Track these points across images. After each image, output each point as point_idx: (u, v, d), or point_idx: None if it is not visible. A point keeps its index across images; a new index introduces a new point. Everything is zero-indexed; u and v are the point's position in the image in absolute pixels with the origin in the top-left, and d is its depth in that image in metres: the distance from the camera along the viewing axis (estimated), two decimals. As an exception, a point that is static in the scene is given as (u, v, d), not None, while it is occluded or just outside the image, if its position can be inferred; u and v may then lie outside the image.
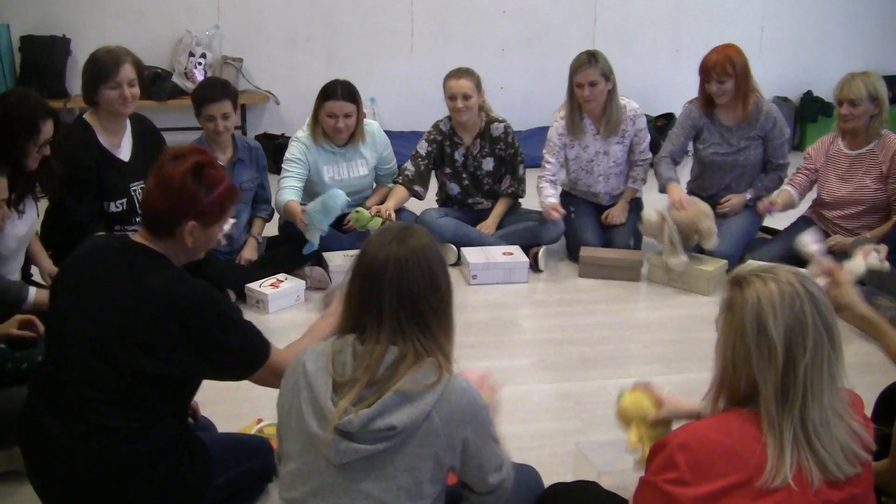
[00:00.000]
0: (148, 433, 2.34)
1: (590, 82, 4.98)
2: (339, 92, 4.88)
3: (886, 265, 3.87)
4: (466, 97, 5.03)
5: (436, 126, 5.29)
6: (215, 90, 4.60)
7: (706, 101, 5.11)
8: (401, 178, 5.23)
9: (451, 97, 5.07)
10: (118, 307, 2.34)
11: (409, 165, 5.25)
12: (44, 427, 2.36)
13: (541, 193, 5.20)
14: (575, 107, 5.11)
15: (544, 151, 5.26)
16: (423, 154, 5.26)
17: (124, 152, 4.29)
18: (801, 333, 1.82)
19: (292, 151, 4.99)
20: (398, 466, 1.99)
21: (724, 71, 4.91)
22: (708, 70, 4.97)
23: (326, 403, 1.99)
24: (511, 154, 5.28)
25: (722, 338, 1.93)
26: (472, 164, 5.27)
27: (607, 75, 5.01)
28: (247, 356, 2.48)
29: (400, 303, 2.05)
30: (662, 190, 5.23)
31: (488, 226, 5.24)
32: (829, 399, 1.83)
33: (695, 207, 4.86)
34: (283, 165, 5.00)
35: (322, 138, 4.99)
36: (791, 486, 1.76)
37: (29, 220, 3.69)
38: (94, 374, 2.31)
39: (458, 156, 5.27)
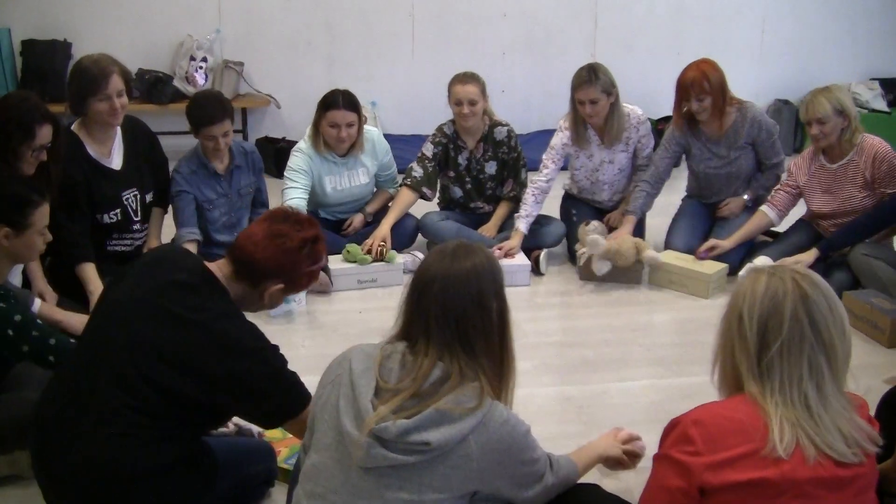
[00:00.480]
0: (163, 443, 2.34)
1: (591, 100, 4.93)
2: (340, 102, 4.88)
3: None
4: (472, 103, 5.01)
5: (440, 129, 5.29)
6: (214, 111, 4.51)
7: (688, 118, 5.04)
8: (409, 180, 5.23)
9: (456, 102, 5.05)
10: (167, 323, 2.33)
11: (415, 167, 5.25)
12: (63, 424, 2.35)
13: (521, 206, 5.15)
14: (578, 118, 5.08)
15: (544, 156, 5.22)
16: (430, 156, 5.26)
17: (115, 160, 4.24)
18: (777, 323, 1.94)
19: (296, 162, 4.98)
20: (425, 483, 1.98)
21: (701, 88, 4.85)
22: (685, 89, 4.91)
23: (366, 405, 2.00)
24: (514, 158, 5.27)
25: (719, 326, 2.08)
26: (475, 168, 5.27)
27: (608, 91, 4.94)
28: (280, 408, 2.45)
29: (445, 320, 2.06)
30: (623, 214, 5.20)
31: (490, 229, 5.23)
32: (812, 388, 1.91)
33: (625, 245, 4.89)
34: (286, 175, 4.99)
35: (323, 148, 4.99)
36: (785, 460, 1.85)
37: None
38: (129, 380, 2.30)
39: (462, 159, 5.26)
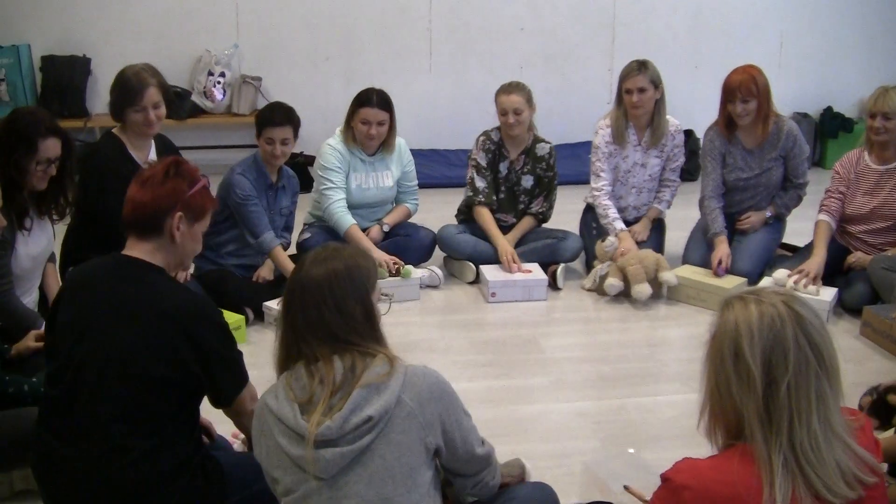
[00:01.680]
0: (161, 453, 2.34)
1: (639, 88, 5.00)
2: (374, 99, 4.94)
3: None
4: (518, 112, 5.03)
5: (487, 135, 5.28)
6: (280, 115, 4.60)
7: (726, 123, 5.03)
8: (481, 196, 5.23)
9: (502, 112, 5.08)
10: (128, 322, 2.35)
11: (478, 182, 5.24)
12: (55, 452, 2.36)
13: (605, 213, 5.17)
14: (622, 113, 5.11)
15: (593, 159, 5.24)
16: (485, 164, 5.25)
17: None
18: (782, 355, 1.77)
19: (330, 160, 5.01)
20: (387, 458, 2.01)
21: (748, 91, 4.84)
22: (732, 90, 4.90)
23: (299, 424, 2.02)
24: (550, 177, 5.29)
25: (705, 365, 1.90)
26: (512, 178, 5.27)
27: (656, 83, 5.04)
28: (240, 372, 2.54)
29: (312, 328, 2.10)
30: (710, 243, 5.11)
31: (508, 240, 5.21)
32: (819, 421, 1.77)
33: (648, 259, 4.91)
34: (321, 174, 5.03)
35: (353, 144, 5.01)
36: None
37: (43, 242, 3.67)
38: (107, 392, 2.30)
39: (503, 168, 5.26)
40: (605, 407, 3.75)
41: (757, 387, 1.77)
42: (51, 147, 3.49)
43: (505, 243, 5.08)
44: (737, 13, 8.20)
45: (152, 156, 4.34)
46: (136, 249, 2.50)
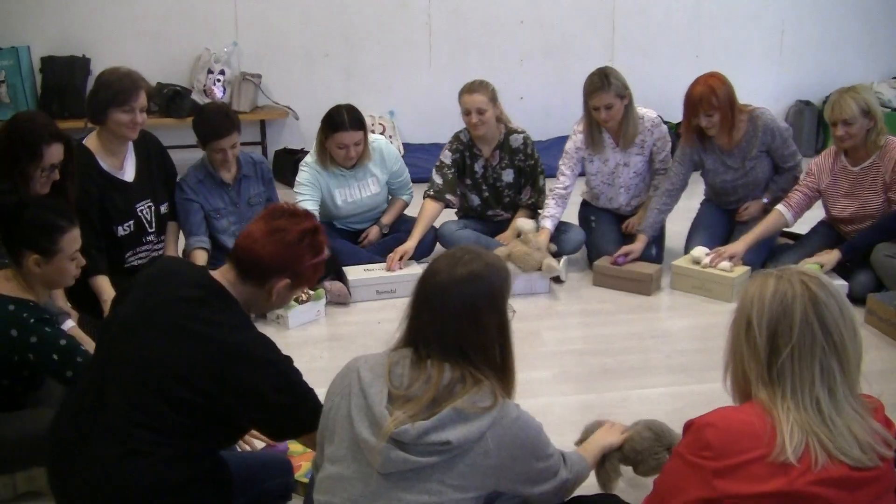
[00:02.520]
0: (181, 462, 2.32)
1: (605, 105, 4.91)
2: (346, 123, 4.87)
3: None
4: (481, 111, 5.00)
5: (456, 136, 5.28)
6: (221, 124, 4.53)
7: (698, 132, 4.96)
8: (431, 191, 5.22)
9: (465, 112, 5.04)
10: (178, 339, 2.32)
11: (435, 178, 5.24)
12: (79, 442, 2.34)
13: (545, 208, 5.15)
14: (593, 123, 5.06)
15: (560, 163, 5.21)
16: (449, 163, 5.25)
17: (128, 173, 4.28)
18: (788, 326, 1.89)
19: (304, 177, 5.01)
20: (446, 483, 2.00)
21: (709, 104, 4.75)
22: (693, 105, 4.82)
23: (382, 412, 2.01)
24: (531, 165, 5.25)
25: (728, 331, 2.04)
26: (491, 176, 5.25)
27: (622, 94, 4.92)
28: (294, 421, 2.41)
29: (442, 335, 2.08)
30: (636, 232, 5.15)
31: (507, 237, 5.20)
32: (823, 391, 1.87)
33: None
34: (295, 189, 5.02)
35: (330, 163, 5.00)
36: (795, 465, 1.81)
37: None
38: (141, 397, 2.29)
39: (478, 167, 5.25)
40: (608, 399, 3.74)
41: (760, 354, 1.92)
42: (55, 153, 3.51)
43: (406, 247, 4.99)
44: (737, 2, 8.18)
45: (129, 161, 4.29)
46: (227, 277, 2.47)
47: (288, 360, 2.44)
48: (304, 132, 7.65)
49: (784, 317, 1.90)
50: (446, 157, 5.26)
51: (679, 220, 5.42)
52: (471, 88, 5.04)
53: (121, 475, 2.27)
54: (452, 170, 5.24)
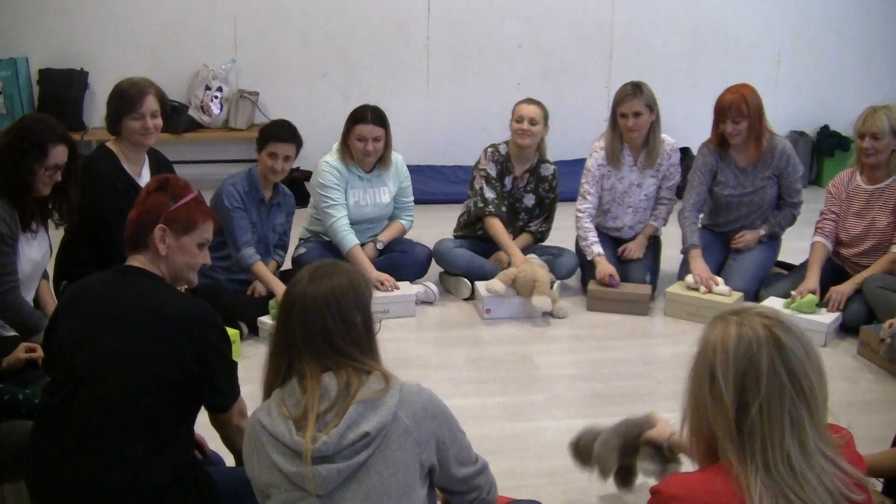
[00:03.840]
0: (157, 465, 2.32)
1: (634, 112, 4.99)
2: (369, 116, 4.95)
3: None
4: (533, 122, 5.08)
5: (495, 147, 5.28)
6: (286, 132, 4.67)
7: (719, 141, 5.04)
8: (491, 207, 5.21)
9: (518, 119, 5.12)
10: (129, 326, 2.37)
11: (487, 193, 5.22)
12: (51, 460, 2.34)
13: (585, 235, 5.17)
14: (616, 136, 5.11)
15: (583, 181, 5.24)
16: (495, 175, 5.25)
17: (143, 181, 4.31)
18: (755, 379, 1.76)
19: (328, 178, 5.01)
20: (384, 475, 2.01)
21: (738, 111, 4.84)
22: (723, 110, 4.91)
23: (294, 441, 2.01)
24: (552, 198, 5.33)
25: (687, 382, 1.90)
26: (515, 195, 5.28)
27: (651, 106, 5.03)
28: (236, 380, 2.55)
29: (311, 337, 2.10)
30: (685, 252, 5.17)
31: (501, 259, 5.20)
32: (794, 444, 1.76)
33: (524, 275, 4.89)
34: (321, 192, 5.02)
35: (350, 161, 5.02)
36: None
37: (43, 248, 3.71)
38: (107, 398, 2.30)
39: (508, 182, 5.27)
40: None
41: (728, 410, 1.77)
42: (60, 154, 3.54)
43: (520, 254, 5.05)
44: (735, 32, 8.23)
45: (145, 171, 4.35)
46: (135, 261, 2.55)
47: (219, 317, 2.55)
48: (300, 151, 7.63)
49: (751, 368, 1.77)
50: (491, 168, 5.24)
51: (674, 246, 5.43)
52: (529, 100, 5.17)
53: (99, 483, 2.28)
54: (498, 183, 5.26)
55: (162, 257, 2.56)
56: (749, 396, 1.76)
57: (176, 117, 7.12)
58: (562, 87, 7.99)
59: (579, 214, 5.22)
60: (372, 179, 5.13)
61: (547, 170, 5.28)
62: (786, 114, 8.33)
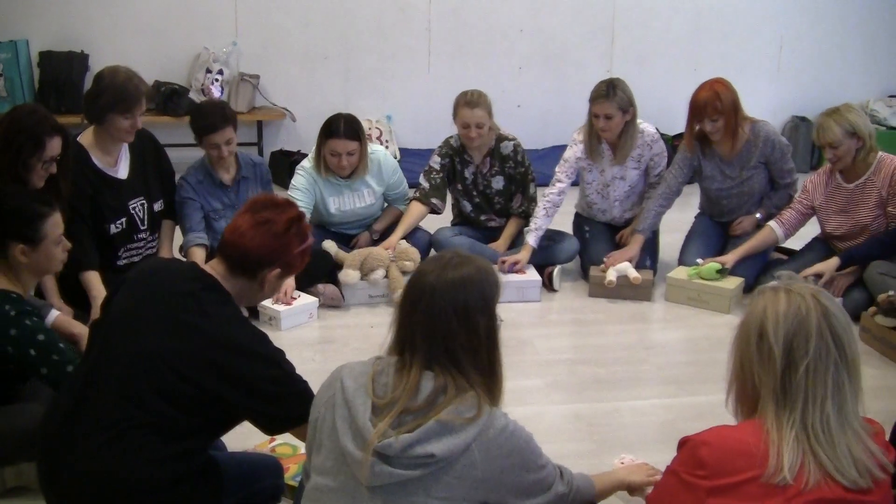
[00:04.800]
0: (174, 460, 2.32)
1: (605, 115, 4.90)
2: (341, 130, 4.84)
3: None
4: (480, 126, 4.97)
5: (446, 142, 5.26)
6: (216, 119, 4.53)
7: (700, 138, 5.01)
8: (417, 193, 5.21)
9: (463, 126, 5.00)
10: (173, 333, 2.32)
11: (422, 181, 5.23)
12: (70, 439, 2.33)
13: (533, 220, 5.09)
14: (593, 131, 5.06)
15: (557, 169, 5.18)
16: (438, 168, 5.23)
17: (121, 170, 4.27)
18: (804, 339, 1.88)
19: (299, 181, 5.00)
20: (432, 495, 1.97)
21: (714, 109, 4.80)
22: (698, 109, 4.87)
23: (366, 424, 1.98)
24: (521, 172, 5.22)
25: (732, 348, 2.01)
26: (481, 183, 5.25)
27: (625, 108, 4.91)
28: (287, 413, 2.42)
29: (431, 335, 2.05)
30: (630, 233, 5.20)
31: (500, 246, 5.19)
32: (833, 407, 1.87)
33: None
34: (289, 192, 5.00)
35: (326, 171, 4.98)
36: (791, 484, 1.82)
37: None
38: (136, 392, 2.29)
39: (468, 174, 5.24)
40: (599, 409, 3.74)
41: (776, 366, 1.89)
42: (56, 145, 3.53)
43: (390, 242, 5.02)
44: (737, 16, 8.19)
45: (123, 160, 4.29)
46: (218, 270, 2.49)
47: (280, 352, 2.45)
48: (301, 134, 7.64)
49: (800, 329, 1.88)
50: (435, 161, 5.25)
51: (673, 232, 5.43)
52: (470, 102, 4.97)
53: (113, 472, 2.27)
54: (441, 174, 5.22)
55: (258, 291, 2.54)
56: (797, 355, 1.88)
57: (176, 100, 7.10)
58: (563, 71, 7.98)
59: (540, 198, 5.15)
60: (351, 184, 5.07)
61: (507, 147, 5.17)
62: (787, 98, 8.32)
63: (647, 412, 3.73)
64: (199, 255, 4.54)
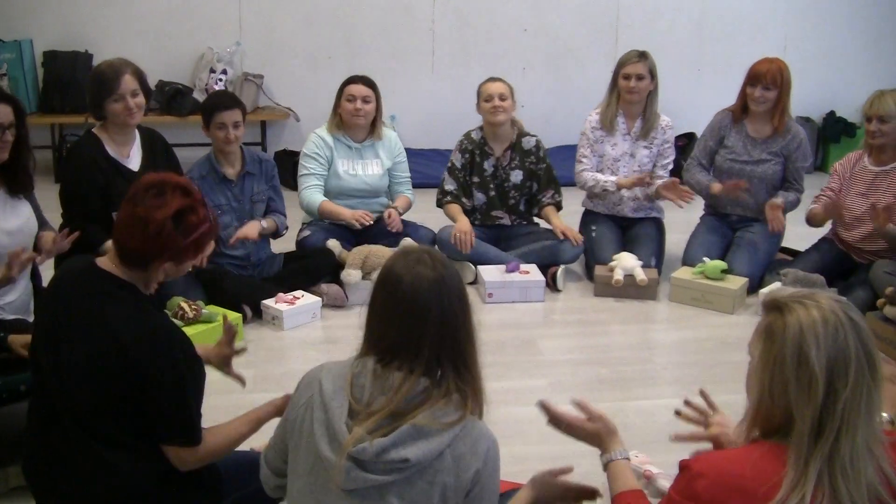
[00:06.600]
0: (142, 471, 2.30)
1: (637, 75, 5.11)
2: (359, 77, 5.09)
3: None
4: (503, 98, 5.09)
5: (467, 135, 5.30)
6: (225, 99, 4.65)
7: (742, 108, 5.14)
8: (449, 197, 5.28)
9: (486, 98, 5.12)
10: (86, 339, 2.26)
11: (448, 183, 5.28)
12: (43, 463, 2.34)
13: (594, 180, 5.24)
14: (614, 100, 5.20)
15: (579, 146, 5.33)
16: (460, 167, 5.29)
17: (133, 162, 4.29)
18: (844, 364, 1.74)
19: (310, 147, 5.13)
20: (406, 499, 1.96)
21: (773, 79, 4.97)
22: (758, 75, 5.01)
23: (341, 428, 1.95)
24: (544, 168, 5.30)
25: (759, 366, 1.85)
26: (500, 175, 5.27)
27: (654, 74, 5.15)
28: (181, 425, 2.31)
29: (443, 330, 2.01)
30: (706, 193, 5.28)
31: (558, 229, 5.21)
32: (864, 435, 1.75)
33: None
34: (301, 162, 5.09)
35: (340, 130, 5.08)
36: None
37: (21, 217, 3.57)
38: (82, 405, 2.26)
39: (488, 165, 5.26)
40: (604, 410, 3.72)
41: (818, 395, 1.74)
42: (3, 112, 3.37)
43: (465, 222, 5.13)
44: (740, 16, 8.19)
45: (135, 151, 4.31)
46: (115, 262, 2.34)
47: (190, 363, 2.33)
48: (304, 134, 7.57)
49: (840, 355, 1.75)
50: (457, 159, 5.28)
51: (677, 231, 5.42)
52: (492, 78, 5.20)
53: (88, 488, 2.28)
54: (463, 173, 5.28)
55: (154, 277, 2.37)
56: (839, 385, 1.74)
57: (180, 100, 7.11)
58: (566, 72, 7.99)
59: (579, 170, 5.29)
60: (363, 150, 5.17)
61: (529, 142, 5.28)
62: (791, 99, 8.28)
63: (652, 413, 3.71)
64: None
